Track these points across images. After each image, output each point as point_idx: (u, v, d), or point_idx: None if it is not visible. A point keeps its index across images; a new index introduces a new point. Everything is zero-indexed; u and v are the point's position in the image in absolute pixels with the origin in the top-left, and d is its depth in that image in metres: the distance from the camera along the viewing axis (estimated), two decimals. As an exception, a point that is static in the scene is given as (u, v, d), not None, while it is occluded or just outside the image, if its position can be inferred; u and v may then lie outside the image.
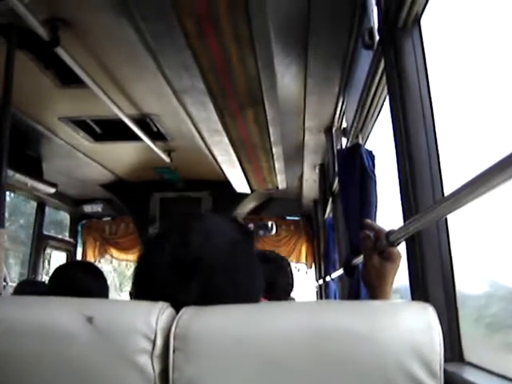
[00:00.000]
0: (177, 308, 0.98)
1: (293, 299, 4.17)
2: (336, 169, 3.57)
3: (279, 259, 2.42)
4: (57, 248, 6.82)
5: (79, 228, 7.39)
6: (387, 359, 0.88)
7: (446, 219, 1.40)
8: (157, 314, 0.93)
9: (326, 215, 4.97)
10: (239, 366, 0.90)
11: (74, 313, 0.94)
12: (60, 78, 3.28)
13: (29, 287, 3.81)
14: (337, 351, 0.90)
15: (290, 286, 2.34)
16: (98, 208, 6.92)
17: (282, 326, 0.92)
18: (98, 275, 2.48)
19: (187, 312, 0.96)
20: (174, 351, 0.91)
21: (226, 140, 3.98)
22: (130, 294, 1.15)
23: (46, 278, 6.55)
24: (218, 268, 1.08)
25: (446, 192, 1.42)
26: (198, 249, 1.08)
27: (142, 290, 1.12)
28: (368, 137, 2.76)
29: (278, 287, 2.19)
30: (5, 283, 5.25)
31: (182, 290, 1.05)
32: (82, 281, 2.35)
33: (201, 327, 0.92)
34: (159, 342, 0.91)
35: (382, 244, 1.42)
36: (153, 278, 1.10)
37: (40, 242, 6.14)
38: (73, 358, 0.92)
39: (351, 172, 2.48)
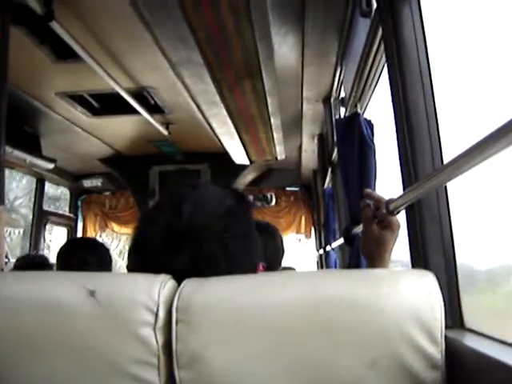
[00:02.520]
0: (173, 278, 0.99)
1: (293, 269, 4.21)
2: (335, 139, 3.57)
3: (270, 228, 2.43)
4: (57, 223, 6.82)
5: (79, 203, 7.39)
6: (389, 326, 0.89)
7: (445, 187, 1.40)
8: (159, 286, 0.94)
9: (326, 185, 4.97)
10: (242, 336, 0.91)
11: (76, 287, 0.95)
12: (56, 53, 3.25)
13: (29, 261, 3.83)
14: (338, 319, 0.90)
15: (281, 254, 2.35)
16: (97, 183, 6.91)
17: (283, 296, 0.93)
18: (104, 251, 2.51)
19: (189, 284, 0.97)
20: (176, 323, 0.92)
21: (224, 112, 3.96)
22: (127, 267, 1.15)
23: (47, 252, 6.58)
24: (209, 236, 1.09)
25: (446, 160, 1.42)
26: (189, 217, 1.08)
27: (136, 262, 1.12)
28: (366, 106, 2.75)
29: (270, 255, 2.20)
30: (6, 260, 5.27)
31: (174, 259, 1.06)
32: (87, 257, 2.38)
33: (203, 299, 0.93)
34: (162, 314, 0.92)
35: (382, 213, 1.42)
36: (146, 249, 1.10)
37: (40, 218, 6.15)
38: (75, 331, 0.93)
39: (350, 141, 2.48)
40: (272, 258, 2.18)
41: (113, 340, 0.92)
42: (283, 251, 2.36)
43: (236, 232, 1.13)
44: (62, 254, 2.59)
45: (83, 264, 2.35)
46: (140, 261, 1.10)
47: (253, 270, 1.17)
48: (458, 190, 1.46)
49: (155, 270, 1.01)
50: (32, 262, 3.75)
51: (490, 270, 1.86)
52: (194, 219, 1.08)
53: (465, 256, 1.73)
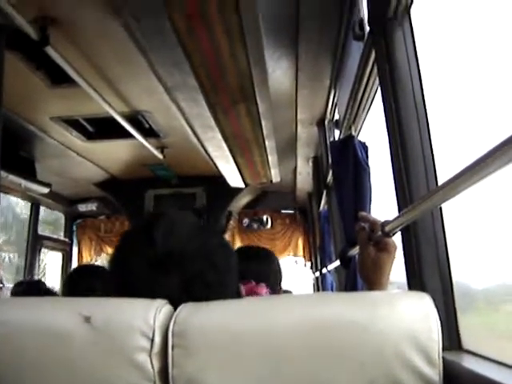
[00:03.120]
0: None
1: (290, 292, 4.19)
2: (329, 161, 3.57)
3: (267, 252, 2.42)
4: (52, 248, 6.80)
5: (74, 227, 7.38)
6: (386, 348, 0.89)
7: (440, 208, 1.40)
8: (154, 311, 0.94)
9: (321, 207, 4.97)
10: (239, 360, 0.91)
11: (71, 313, 0.94)
12: (51, 78, 3.27)
13: (26, 287, 3.80)
14: (336, 342, 0.90)
15: (280, 277, 2.34)
16: (92, 207, 6.90)
17: (280, 319, 0.93)
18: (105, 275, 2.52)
19: (185, 309, 0.96)
20: (172, 348, 0.91)
21: (219, 135, 3.97)
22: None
23: (42, 278, 6.55)
24: (191, 254, 1.10)
25: (440, 181, 1.42)
26: (163, 244, 1.10)
27: (121, 292, 1.11)
28: (361, 128, 2.76)
29: (271, 280, 2.19)
30: (1, 285, 5.24)
31: (163, 284, 1.06)
32: (91, 284, 2.38)
33: (199, 323, 0.93)
34: (157, 339, 0.92)
35: (378, 235, 1.42)
36: (131, 279, 1.10)
37: (35, 243, 6.13)
38: (71, 357, 0.92)
39: (345, 164, 2.48)
40: (273, 283, 2.17)
41: (109, 366, 0.92)
42: (281, 274, 2.35)
43: (212, 244, 1.17)
44: (67, 281, 2.62)
45: (88, 290, 2.35)
46: (125, 291, 1.09)
47: (237, 279, 1.20)
48: (454, 208, 1.46)
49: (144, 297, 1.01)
50: (32, 287, 3.72)
51: (487, 290, 1.85)
52: (168, 244, 1.10)
53: (461, 275, 1.73)
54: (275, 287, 2.18)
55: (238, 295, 1.21)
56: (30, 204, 6.27)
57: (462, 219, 1.67)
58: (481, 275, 1.80)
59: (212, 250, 1.15)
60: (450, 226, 1.43)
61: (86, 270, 2.90)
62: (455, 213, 1.52)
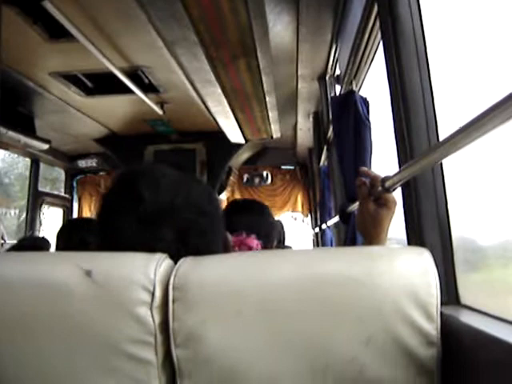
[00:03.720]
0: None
1: (289, 247, 4.21)
2: (330, 116, 3.56)
3: (259, 205, 2.41)
4: (53, 204, 6.81)
5: (74, 183, 7.38)
6: (385, 303, 0.89)
7: (441, 164, 1.40)
8: (155, 265, 0.94)
9: (321, 163, 4.96)
10: (238, 314, 0.91)
11: (72, 267, 0.95)
12: (49, 33, 3.23)
13: (28, 243, 3.82)
14: (335, 296, 0.91)
15: (272, 231, 2.33)
16: (92, 163, 6.89)
17: (279, 274, 0.93)
18: None
19: (185, 262, 0.97)
20: (173, 301, 0.92)
21: (219, 90, 3.95)
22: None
23: (43, 234, 6.57)
24: (179, 206, 1.12)
25: (442, 137, 1.42)
26: (152, 199, 1.10)
27: (113, 247, 1.11)
28: (362, 83, 2.74)
29: (263, 233, 2.19)
30: (2, 241, 5.27)
31: (158, 240, 1.08)
32: (85, 237, 2.38)
33: (199, 277, 0.93)
34: (158, 293, 0.92)
35: (378, 190, 1.42)
36: (123, 239, 1.10)
37: (36, 199, 6.13)
38: (71, 311, 0.93)
39: (345, 119, 2.47)
40: (266, 236, 2.17)
41: (109, 320, 0.92)
42: (283, 231, 2.35)
43: (198, 193, 1.19)
44: (60, 234, 2.60)
45: (81, 244, 2.34)
46: (118, 247, 1.09)
47: (223, 225, 1.24)
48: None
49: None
50: (29, 244, 3.74)
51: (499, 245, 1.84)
52: (156, 199, 1.11)
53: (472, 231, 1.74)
54: (268, 240, 2.18)
55: (225, 242, 1.24)
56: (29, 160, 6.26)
57: (476, 173, 1.66)
58: (492, 230, 1.79)
59: (199, 198, 1.17)
60: (463, 178, 1.42)
61: (78, 222, 2.89)
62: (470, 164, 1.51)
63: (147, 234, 1.08)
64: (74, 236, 2.47)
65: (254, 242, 1.95)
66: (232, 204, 2.36)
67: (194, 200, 1.15)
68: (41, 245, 3.65)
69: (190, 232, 1.10)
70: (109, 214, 1.17)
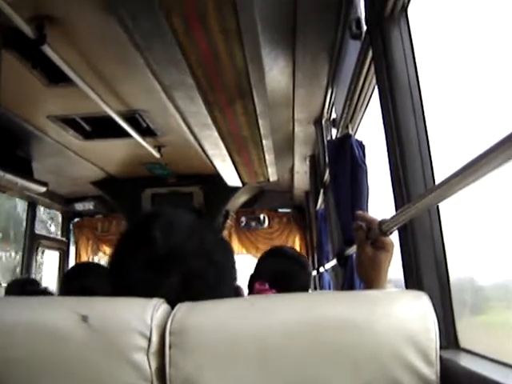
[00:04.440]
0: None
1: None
2: (327, 160, 3.58)
3: (303, 259, 2.36)
4: (49, 247, 6.79)
5: (71, 226, 7.37)
6: (383, 348, 0.89)
7: (437, 207, 1.40)
8: (151, 310, 0.93)
9: (318, 206, 4.97)
10: (236, 359, 0.90)
11: (68, 312, 0.94)
12: (47, 77, 3.26)
13: (21, 286, 3.78)
14: (333, 341, 0.90)
15: (309, 285, 2.28)
16: (89, 206, 6.89)
17: (278, 319, 0.93)
18: (104, 274, 2.47)
19: (182, 307, 0.96)
20: (170, 347, 0.91)
21: (216, 134, 3.97)
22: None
23: (38, 277, 6.53)
24: (191, 252, 1.10)
25: (438, 180, 1.42)
26: (163, 242, 1.09)
27: (122, 293, 1.10)
28: (358, 127, 2.76)
29: (300, 286, 2.15)
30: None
31: (163, 284, 1.06)
32: (89, 281, 2.36)
33: (196, 322, 0.93)
34: (155, 338, 0.91)
35: (375, 234, 1.42)
36: (130, 280, 1.10)
37: (32, 242, 6.11)
38: (68, 357, 0.92)
39: (342, 163, 2.48)
40: (299, 288, 2.12)
41: (106, 365, 0.91)
42: (307, 286, 2.30)
43: (212, 241, 1.17)
44: (64, 279, 2.58)
45: (83, 290, 2.31)
46: (124, 291, 1.09)
47: (235, 276, 1.21)
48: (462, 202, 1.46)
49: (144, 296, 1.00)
50: (26, 286, 3.70)
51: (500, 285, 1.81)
52: (168, 242, 1.10)
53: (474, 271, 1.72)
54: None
55: (236, 292, 1.22)
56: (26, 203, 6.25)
57: (472, 214, 1.66)
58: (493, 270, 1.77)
59: (211, 247, 1.15)
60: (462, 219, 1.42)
61: (82, 268, 2.81)
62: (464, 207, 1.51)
63: (152, 277, 1.07)
64: (76, 282, 2.44)
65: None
66: (269, 249, 2.31)
67: (205, 248, 1.13)
68: (32, 287, 3.62)
69: (194, 281, 1.09)
70: (119, 255, 1.16)
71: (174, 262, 1.08)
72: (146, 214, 1.22)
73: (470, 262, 1.74)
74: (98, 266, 2.76)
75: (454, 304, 1.35)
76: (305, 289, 2.19)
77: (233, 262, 1.21)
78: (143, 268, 1.08)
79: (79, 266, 3.89)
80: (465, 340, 1.28)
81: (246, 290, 1.95)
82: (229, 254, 1.21)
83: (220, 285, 1.13)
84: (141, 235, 1.13)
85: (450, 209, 1.43)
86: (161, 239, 1.09)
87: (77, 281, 2.42)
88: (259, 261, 2.22)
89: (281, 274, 2.03)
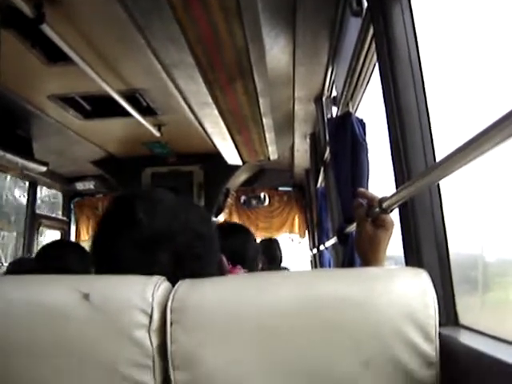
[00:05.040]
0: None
1: (287, 269, 4.20)
2: (327, 138, 3.57)
3: (244, 228, 2.39)
4: (50, 227, 6.81)
5: (72, 206, 7.37)
6: (383, 325, 0.89)
7: (438, 185, 1.40)
8: (152, 288, 0.94)
9: (318, 184, 4.97)
10: (237, 336, 0.91)
11: (69, 290, 0.95)
12: (47, 56, 3.24)
13: (22, 266, 3.79)
14: (333, 318, 0.91)
15: (258, 255, 2.31)
16: (90, 185, 6.88)
17: (277, 296, 0.93)
18: (83, 254, 2.44)
19: (183, 285, 0.97)
20: (171, 324, 0.92)
21: (216, 112, 3.96)
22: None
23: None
24: (175, 231, 1.13)
25: (438, 157, 1.42)
26: (150, 224, 1.11)
27: (110, 271, 1.11)
28: (358, 105, 2.75)
29: (250, 256, 2.18)
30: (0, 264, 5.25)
31: (154, 263, 1.08)
32: (67, 259, 2.33)
33: (197, 300, 0.93)
34: (156, 315, 0.92)
35: (375, 211, 1.42)
36: (120, 262, 1.11)
37: (33, 222, 6.12)
38: (69, 334, 0.93)
39: (342, 140, 2.48)
40: (252, 261, 2.17)
41: (107, 343, 0.92)
42: (258, 251, 2.33)
43: (195, 216, 1.20)
44: (40, 257, 2.50)
45: (60, 269, 2.24)
46: (114, 270, 1.09)
47: (219, 248, 1.25)
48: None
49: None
50: (27, 265, 3.71)
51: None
52: (153, 223, 1.12)
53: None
54: (253, 265, 2.17)
55: (220, 264, 1.25)
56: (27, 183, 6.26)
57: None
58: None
59: (195, 223, 1.17)
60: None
61: (58, 247, 2.73)
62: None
63: (143, 257, 1.08)
64: (53, 261, 2.39)
65: (241, 271, 1.95)
66: (217, 228, 2.34)
67: (190, 224, 1.16)
68: (25, 268, 3.61)
69: (185, 256, 1.11)
70: (105, 238, 1.17)
71: (162, 241, 1.10)
72: (126, 195, 1.22)
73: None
74: (73, 244, 2.72)
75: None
76: (254, 261, 2.23)
77: (215, 234, 1.24)
78: (132, 249, 1.09)
79: (56, 243, 3.82)
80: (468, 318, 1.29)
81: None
82: (211, 226, 1.25)
83: (208, 256, 1.16)
84: (125, 217, 1.14)
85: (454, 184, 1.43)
86: (145, 221, 1.11)
87: (53, 260, 2.38)
88: None
89: (234, 252, 2.05)
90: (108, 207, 1.23)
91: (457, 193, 1.55)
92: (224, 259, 1.35)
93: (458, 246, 1.43)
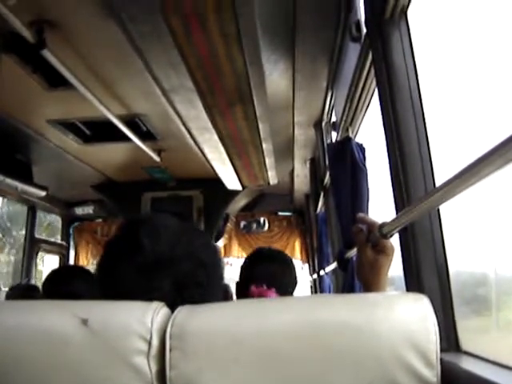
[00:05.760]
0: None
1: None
2: (327, 163, 3.58)
3: (286, 257, 2.39)
4: (49, 251, 6.79)
5: (71, 231, 7.36)
6: (384, 350, 0.89)
7: (438, 210, 1.40)
8: (152, 313, 0.93)
9: (318, 209, 4.97)
10: (236, 362, 0.90)
11: (68, 315, 0.94)
12: (47, 81, 3.26)
13: (22, 292, 3.78)
14: (334, 344, 0.90)
15: (295, 286, 2.31)
16: (89, 210, 6.89)
17: (278, 322, 0.93)
18: (91, 279, 2.43)
19: (182, 311, 0.96)
20: (170, 350, 0.91)
21: (216, 137, 3.97)
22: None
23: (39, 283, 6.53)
24: (178, 257, 1.12)
25: (438, 183, 1.42)
26: (152, 248, 1.11)
27: (113, 299, 1.11)
28: (358, 130, 2.76)
29: (285, 285, 2.17)
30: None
31: (155, 290, 1.08)
32: (75, 285, 2.33)
33: (197, 325, 0.93)
34: (155, 341, 0.91)
35: (375, 237, 1.42)
36: (123, 287, 1.11)
37: (32, 246, 6.11)
38: (69, 360, 0.92)
39: (342, 165, 2.48)
40: (286, 288, 2.15)
41: (106, 369, 0.91)
42: (296, 281, 2.32)
43: (199, 243, 1.19)
44: (46, 283, 2.49)
45: (69, 295, 2.24)
46: (115, 298, 1.09)
47: (223, 277, 1.26)
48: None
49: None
50: (27, 292, 3.70)
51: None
52: (156, 249, 1.11)
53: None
54: (287, 293, 2.16)
55: (225, 294, 1.24)
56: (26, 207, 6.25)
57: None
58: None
59: (199, 249, 1.17)
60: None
61: (67, 272, 2.72)
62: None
63: (145, 282, 1.08)
64: (62, 287, 2.39)
65: (273, 295, 1.94)
66: (256, 252, 2.35)
67: (193, 251, 1.15)
68: (30, 294, 3.61)
69: (186, 283, 1.11)
70: (109, 262, 1.17)
71: (164, 267, 1.10)
72: (132, 220, 1.23)
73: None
74: (81, 269, 2.71)
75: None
76: (292, 289, 2.22)
77: (220, 262, 1.24)
78: (135, 274, 1.09)
79: (64, 269, 3.80)
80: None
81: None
82: (216, 254, 1.24)
83: (211, 284, 1.15)
84: (129, 242, 1.14)
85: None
86: (148, 246, 1.11)
87: (61, 286, 2.37)
88: (248, 265, 2.24)
89: (272, 276, 2.05)
90: (114, 232, 1.23)
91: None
92: (230, 288, 1.35)
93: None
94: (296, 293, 2.27)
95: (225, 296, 1.12)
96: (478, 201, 1.49)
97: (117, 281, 1.12)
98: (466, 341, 1.27)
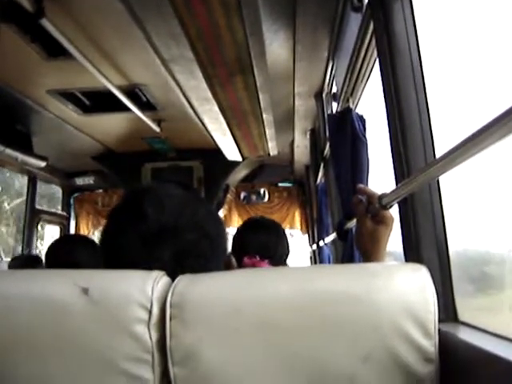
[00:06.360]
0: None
1: (286, 265, 4.20)
2: (327, 134, 3.57)
3: (278, 226, 2.40)
4: (50, 222, 6.80)
5: (72, 201, 7.37)
6: (382, 320, 0.89)
7: (437, 181, 1.40)
8: (152, 282, 0.94)
9: (318, 180, 4.97)
10: (236, 332, 0.91)
11: (69, 285, 0.94)
12: (46, 51, 3.23)
13: (24, 262, 3.80)
14: (333, 314, 0.91)
15: (287, 254, 2.32)
16: (89, 180, 6.87)
17: (277, 291, 0.93)
18: (94, 248, 2.45)
19: (183, 280, 0.97)
20: (170, 319, 0.92)
21: (216, 108, 3.95)
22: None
23: (39, 253, 6.56)
24: (182, 227, 1.12)
25: (438, 154, 1.42)
26: (156, 218, 1.11)
27: (117, 264, 1.12)
28: (358, 101, 2.74)
29: (278, 254, 2.18)
30: (-1, 258, 5.26)
31: (157, 258, 1.09)
32: (77, 254, 2.34)
33: (197, 294, 0.93)
34: (155, 310, 0.92)
35: (375, 208, 1.42)
36: (126, 256, 1.11)
37: (33, 217, 6.11)
38: (69, 329, 0.92)
39: (342, 136, 2.48)
40: (279, 257, 2.17)
41: (106, 337, 0.92)
42: (289, 249, 2.34)
43: (203, 214, 1.18)
44: (49, 252, 2.51)
45: (72, 264, 2.27)
46: (117, 266, 1.10)
47: (226, 247, 1.25)
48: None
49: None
50: (29, 262, 3.72)
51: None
52: (160, 218, 1.11)
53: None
54: (280, 262, 2.17)
55: (227, 265, 1.25)
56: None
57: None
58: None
59: (203, 220, 1.17)
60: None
61: (69, 241, 2.72)
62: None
63: (147, 252, 1.09)
64: (59, 251, 2.40)
65: (266, 266, 1.95)
66: (248, 222, 2.36)
67: (197, 221, 1.15)
68: (31, 264, 3.62)
69: (188, 253, 1.11)
70: (113, 231, 1.17)
71: (168, 237, 1.10)
72: (136, 190, 1.23)
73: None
74: (83, 238, 2.72)
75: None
76: (285, 258, 2.24)
77: (224, 233, 1.23)
78: (137, 244, 1.09)
79: (66, 238, 3.81)
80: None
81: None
82: (220, 225, 1.23)
83: (214, 256, 1.15)
84: (133, 212, 1.14)
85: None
86: (153, 215, 1.11)
87: (63, 255, 2.38)
88: (239, 235, 2.25)
89: (265, 247, 2.06)
90: (118, 202, 1.23)
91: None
92: (233, 259, 1.35)
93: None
94: (295, 263, 2.28)
95: (227, 267, 1.13)
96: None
97: (119, 250, 1.12)
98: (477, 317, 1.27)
